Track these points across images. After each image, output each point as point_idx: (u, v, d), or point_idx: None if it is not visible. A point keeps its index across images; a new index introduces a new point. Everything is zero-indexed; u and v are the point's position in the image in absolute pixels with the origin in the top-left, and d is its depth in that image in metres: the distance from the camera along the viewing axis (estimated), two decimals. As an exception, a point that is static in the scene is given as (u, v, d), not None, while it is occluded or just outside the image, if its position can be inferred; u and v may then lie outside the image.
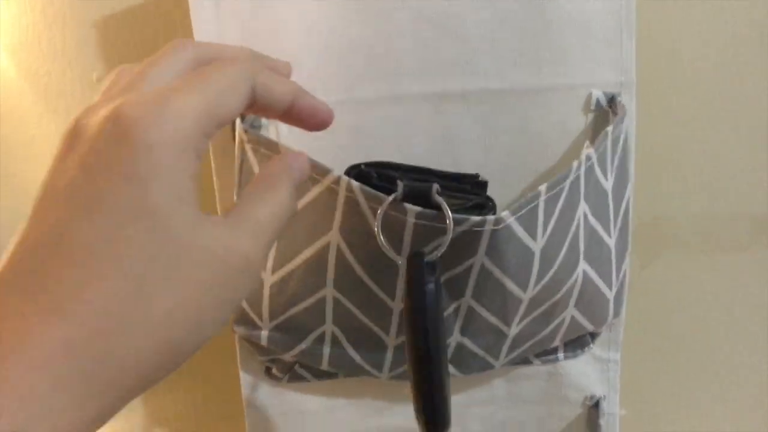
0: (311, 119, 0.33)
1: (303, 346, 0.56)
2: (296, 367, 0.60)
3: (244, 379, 0.61)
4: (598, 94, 0.57)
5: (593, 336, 0.64)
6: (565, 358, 0.64)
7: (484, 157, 0.58)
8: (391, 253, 0.44)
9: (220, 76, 0.28)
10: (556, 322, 0.57)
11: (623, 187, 0.58)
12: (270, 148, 0.49)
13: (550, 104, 0.58)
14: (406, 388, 0.64)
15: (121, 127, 0.25)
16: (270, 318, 0.55)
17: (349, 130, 0.56)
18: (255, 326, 0.56)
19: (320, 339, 0.56)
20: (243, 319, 0.56)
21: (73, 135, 0.26)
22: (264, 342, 0.56)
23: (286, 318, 0.54)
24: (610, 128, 0.54)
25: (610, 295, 0.59)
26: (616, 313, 0.61)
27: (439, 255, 0.43)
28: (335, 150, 0.55)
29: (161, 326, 0.25)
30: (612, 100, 0.57)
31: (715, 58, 0.62)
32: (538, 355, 0.64)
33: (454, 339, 0.55)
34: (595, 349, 0.65)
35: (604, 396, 0.66)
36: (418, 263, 0.41)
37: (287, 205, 0.30)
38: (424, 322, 0.41)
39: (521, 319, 0.55)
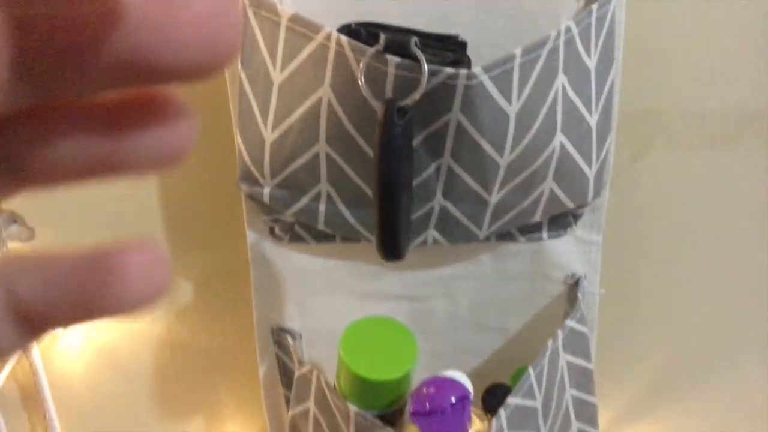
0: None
1: (301, 204, 0.62)
2: (296, 227, 0.66)
3: (250, 237, 0.67)
4: (590, -21, 0.60)
5: (576, 217, 0.68)
6: (549, 237, 0.69)
7: (478, 39, 0.61)
8: (370, 97, 0.49)
9: None
10: (536, 194, 0.62)
11: (607, 69, 0.61)
12: (271, 11, 0.54)
13: (543, -11, 0.61)
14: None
15: None
16: (271, 175, 0.60)
17: (350, 8, 0.60)
18: (258, 183, 0.62)
19: (316, 197, 0.61)
20: (247, 177, 0.62)
21: None
22: (266, 199, 0.62)
23: (285, 176, 0.60)
24: (595, 6, 0.57)
25: (590, 173, 0.63)
26: (596, 194, 0.65)
27: (412, 101, 0.47)
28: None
29: None
30: (604, -13, 0.60)
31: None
32: (522, 233, 0.68)
33: (437, 202, 0.60)
34: (578, 230, 0.69)
35: (584, 275, 0.71)
36: (390, 106, 0.46)
37: None
38: (389, 161, 0.46)
39: (501, 187, 0.59)
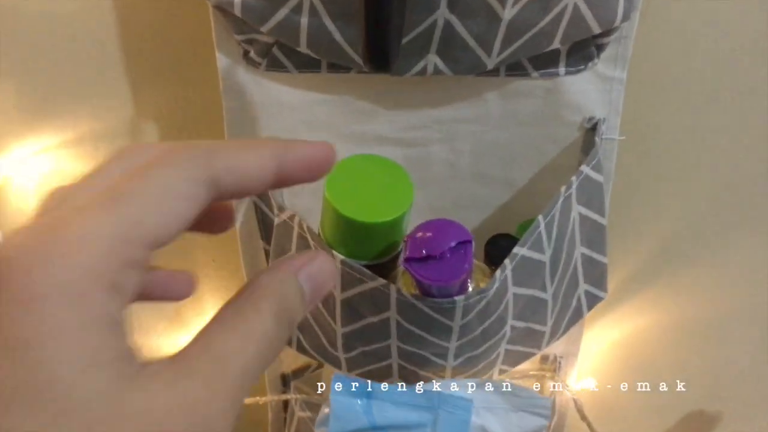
0: (309, 173, 0.25)
1: (280, 16, 0.52)
2: (275, 49, 0.56)
3: (221, 63, 0.58)
4: None
5: (599, 48, 0.59)
6: (566, 73, 0.60)
7: None
8: None
9: (151, 180, 0.21)
10: (557, 10, 0.52)
11: None
12: None
13: None
14: (391, 94, 0.61)
15: (1, 274, 0.19)
16: (243, -21, 0.50)
17: None
18: (228, -10, 0.52)
19: (298, 8, 0.51)
20: (215, -18, 0.52)
21: None
22: (238, 11, 0.52)
23: (259, -21, 0.50)
24: None
25: (622, -12, 0.53)
26: (626, 16, 0.55)
27: None
28: None
29: None
30: None
31: None
32: (536, 66, 0.59)
33: (441, 15, 0.51)
34: (600, 65, 0.60)
35: (603, 118, 0.62)
36: None
37: (271, 336, 0.22)
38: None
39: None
